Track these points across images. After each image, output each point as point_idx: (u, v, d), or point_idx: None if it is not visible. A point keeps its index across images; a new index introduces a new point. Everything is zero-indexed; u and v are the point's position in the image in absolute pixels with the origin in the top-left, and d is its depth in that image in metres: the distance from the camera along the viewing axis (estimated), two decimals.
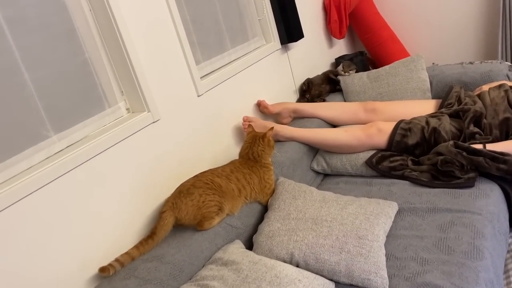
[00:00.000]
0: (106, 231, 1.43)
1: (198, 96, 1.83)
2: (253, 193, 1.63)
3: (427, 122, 1.90)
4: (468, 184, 1.65)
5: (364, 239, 1.36)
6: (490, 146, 1.73)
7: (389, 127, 1.94)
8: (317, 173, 2.09)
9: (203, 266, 1.41)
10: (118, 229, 1.46)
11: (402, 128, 1.91)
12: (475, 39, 3.03)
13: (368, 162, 1.91)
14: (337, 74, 2.51)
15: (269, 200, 1.67)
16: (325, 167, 2.05)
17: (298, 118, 2.29)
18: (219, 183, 1.53)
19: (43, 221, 1.26)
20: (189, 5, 1.88)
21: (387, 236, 1.50)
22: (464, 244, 1.37)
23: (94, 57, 1.50)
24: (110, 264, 1.34)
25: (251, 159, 1.68)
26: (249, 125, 1.82)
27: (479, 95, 2.02)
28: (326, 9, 2.94)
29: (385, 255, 1.41)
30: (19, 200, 1.20)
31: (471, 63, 2.36)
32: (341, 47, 3.19)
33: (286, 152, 1.94)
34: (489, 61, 2.31)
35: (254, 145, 1.69)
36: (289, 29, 2.34)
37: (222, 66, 2.04)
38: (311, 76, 2.62)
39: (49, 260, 1.26)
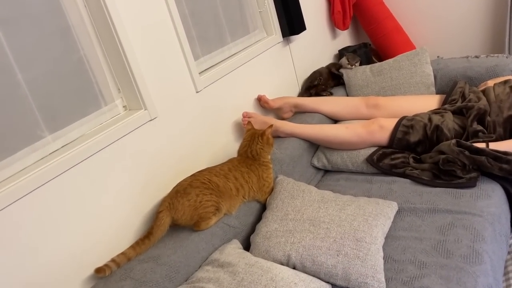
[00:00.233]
0: (103, 231, 1.42)
1: (197, 92, 1.80)
2: (251, 192, 1.62)
3: (430, 119, 1.86)
4: (470, 184, 1.63)
5: (361, 242, 1.35)
6: (493, 145, 1.70)
7: (390, 123, 1.91)
8: (318, 169, 2.06)
9: (200, 267, 1.40)
10: (115, 228, 1.46)
11: (404, 125, 1.88)
12: (481, 32, 2.96)
13: (369, 159, 1.89)
14: (340, 67, 2.47)
15: (268, 199, 1.66)
16: (325, 164, 2.03)
17: (299, 113, 2.26)
18: (216, 183, 1.51)
19: (39, 222, 1.25)
20: None
21: (386, 237, 1.49)
22: (464, 248, 1.35)
23: (89, 55, 1.48)
24: (106, 265, 1.34)
25: (250, 157, 1.66)
26: (248, 122, 1.80)
27: (483, 91, 1.98)
28: (329, 0, 2.89)
29: (383, 258, 1.40)
30: (13, 202, 1.19)
31: (476, 57, 2.31)
32: (345, 38, 3.13)
33: (286, 149, 1.92)
34: (495, 55, 2.26)
35: (253, 143, 1.67)
36: (291, 22, 2.30)
37: (222, 61, 2.01)
38: (313, 69, 2.58)
39: (44, 261, 1.26)
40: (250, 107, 2.14)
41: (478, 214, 1.48)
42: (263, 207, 1.68)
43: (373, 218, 1.44)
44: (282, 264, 1.38)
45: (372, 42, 3.14)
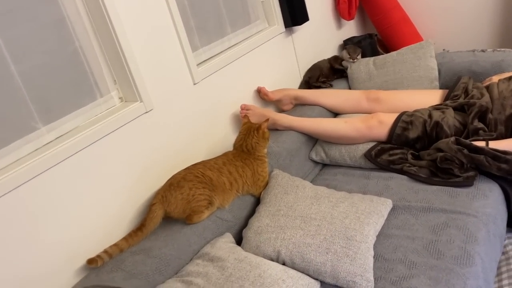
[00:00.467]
0: (96, 223, 1.44)
1: (194, 84, 1.80)
2: (245, 186, 1.62)
3: (430, 115, 1.83)
4: (467, 183, 1.61)
5: (352, 240, 1.34)
6: (493, 144, 1.67)
7: (390, 119, 1.89)
8: (316, 163, 2.06)
9: (191, 261, 1.41)
10: (109, 220, 1.47)
11: (404, 121, 1.85)
12: (490, 26, 2.89)
13: (367, 155, 1.87)
14: (342, 61, 2.43)
15: (262, 193, 1.66)
16: (323, 158, 2.02)
17: (299, 105, 2.24)
18: (210, 177, 1.51)
19: (32, 214, 1.27)
20: None
21: (379, 235, 1.48)
22: (455, 249, 1.34)
23: (85, 46, 1.47)
24: (98, 256, 1.35)
25: (245, 151, 1.66)
26: (245, 116, 1.79)
27: (487, 87, 1.94)
28: None
29: (374, 256, 1.40)
30: (6, 193, 1.21)
31: (483, 51, 2.26)
32: (350, 29, 3.08)
33: (283, 142, 1.91)
34: (502, 49, 2.21)
35: (248, 137, 1.66)
36: (293, 12, 2.26)
37: (221, 52, 1.99)
38: (317, 60, 2.54)
39: (37, 252, 1.27)
40: (249, 99, 2.12)
41: (472, 215, 1.46)
42: (258, 201, 1.69)
43: (365, 216, 1.44)
44: (272, 260, 1.38)
45: (379, 32, 3.09)
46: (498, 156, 1.59)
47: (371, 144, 1.91)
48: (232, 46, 2.06)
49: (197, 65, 1.86)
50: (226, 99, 1.97)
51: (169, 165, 1.68)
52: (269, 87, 2.23)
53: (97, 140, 1.44)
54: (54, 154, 1.32)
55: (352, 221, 1.41)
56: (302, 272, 1.34)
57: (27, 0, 1.31)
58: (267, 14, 2.29)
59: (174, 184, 1.49)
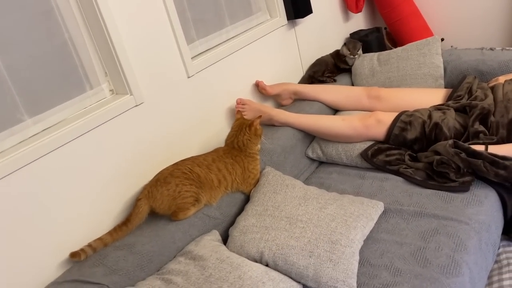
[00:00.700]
0: (82, 216, 1.43)
1: (189, 77, 1.77)
2: (234, 184, 1.60)
3: (430, 116, 1.78)
4: (462, 188, 1.56)
5: (336, 244, 1.32)
6: (492, 148, 1.61)
7: (388, 118, 1.84)
8: (312, 160, 2.02)
9: (174, 258, 1.40)
10: (95, 213, 1.47)
11: (402, 121, 1.80)
12: (502, 23, 2.78)
13: (363, 154, 1.83)
14: (344, 57, 2.36)
15: (252, 191, 1.64)
16: (320, 155, 1.98)
17: (298, 100, 2.20)
18: (197, 173, 1.50)
19: (15, 206, 1.26)
20: None
21: (367, 238, 1.45)
22: (443, 257, 1.30)
23: (75, 37, 1.45)
24: (82, 249, 1.35)
25: (236, 148, 1.63)
26: (238, 111, 1.76)
27: (492, 88, 1.87)
28: None
29: (360, 260, 1.37)
30: None
31: (491, 49, 2.18)
32: (358, 21, 3.00)
33: (278, 139, 1.88)
34: (511, 48, 2.13)
35: (240, 134, 1.64)
36: (296, 4, 2.21)
37: (219, 44, 1.96)
38: (321, 54, 2.48)
39: (20, 244, 1.27)
40: (248, 93, 2.09)
41: (464, 222, 1.42)
42: (247, 198, 1.66)
43: (353, 220, 1.40)
44: (255, 260, 1.37)
45: (388, 26, 3.00)
46: (496, 161, 1.54)
47: (369, 143, 1.87)
48: (231, 38, 2.02)
49: (193, 57, 1.83)
50: (222, 93, 1.94)
51: (159, 159, 1.66)
52: (270, 81, 2.19)
53: (84, 133, 1.43)
54: (39, 146, 1.31)
55: (339, 224, 1.38)
56: (285, 275, 1.32)
57: None
58: (269, 6, 2.24)
59: (161, 179, 1.47)
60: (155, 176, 1.51)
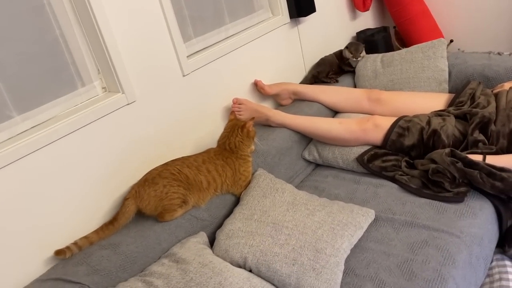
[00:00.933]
0: (71, 213, 1.43)
1: (184, 76, 1.75)
2: (224, 186, 1.58)
3: (429, 122, 1.74)
4: (457, 199, 1.52)
5: (321, 253, 1.29)
6: (490, 159, 1.56)
7: (386, 123, 1.80)
8: (308, 162, 1.99)
9: (158, 259, 1.40)
10: (83, 211, 1.47)
11: (401, 127, 1.76)
12: None
13: (359, 159, 1.80)
14: (347, 60, 2.31)
15: (242, 194, 1.62)
16: (316, 158, 1.95)
17: (298, 101, 2.16)
18: (186, 175, 1.48)
19: (2, 202, 1.27)
20: None
21: (355, 247, 1.42)
22: (429, 270, 1.27)
23: (67, 34, 1.45)
24: (67, 247, 1.36)
25: (228, 150, 1.62)
26: (232, 112, 1.74)
27: (496, 95, 1.81)
28: None
29: (345, 270, 1.34)
30: None
31: (499, 53, 2.11)
32: (366, 20, 2.94)
33: (273, 140, 1.85)
34: None
35: (232, 135, 1.62)
36: (299, 2, 2.17)
37: (217, 43, 1.93)
38: (325, 53, 2.44)
39: (7, 241, 1.28)
40: (246, 92, 2.07)
41: (455, 234, 1.38)
42: (238, 200, 1.65)
43: (341, 228, 1.38)
44: (239, 266, 1.35)
45: (397, 25, 2.94)
46: (493, 173, 1.49)
47: (365, 148, 1.83)
48: (230, 36, 1.99)
49: (190, 55, 1.81)
50: (219, 92, 1.92)
51: (151, 158, 1.66)
52: (270, 80, 2.16)
53: (74, 131, 1.42)
54: (27, 143, 1.32)
55: (325, 232, 1.36)
56: (268, 281, 1.31)
57: None
58: (271, 4, 2.20)
59: (149, 180, 1.46)
60: (143, 176, 1.50)
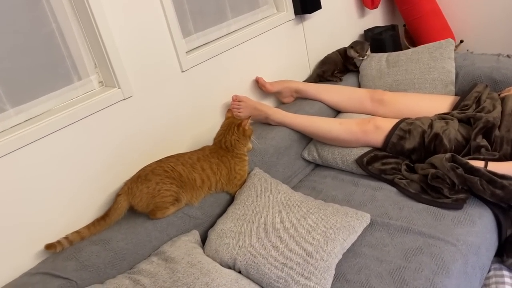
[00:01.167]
0: (64, 208, 1.43)
1: (183, 71, 1.73)
2: (219, 184, 1.57)
3: (431, 126, 1.69)
4: (455, 206, 1.48)
5: (311, 257, 1.27)
6: (492, 165, 1.52)
7: (387, 125, 1.76)
8: (308, 162, 1.97)
9: (148, 256, 1.39)
10: (78, 206, 1.46)
11: (402, 129, 1.72)
12: None
13: (359, 161, 1.77)
14: (353, 59, 2.27)
15: (237, 193, 1.60)
16: (316, 158, 1.92)
17: (300, 99, 2.13)
18: (179, 172, 1.47)
19: None
20: None
21: (348, 251, 1.40)
22: (422, 279, 1.24)
23: (63, 27, 1.44)
24: (58, 241, 1.36)
25: (223, 148, 1.60)
26: (229, 110, 1.72)
27: (503, 99, 1.76)
28: None
29: (336, 275, 1.32)
30: None
31: (508, 56, 2.05)
32: (375, 17, 2.89)
33: (272, 139, 1.83)
34: None
35: (228, 134, 1.60)
36: None
37: (218, 38, 1.91)
38: (331, 50, 2.39)
39: None
40: (247, 89, 2.04)
41: (451, 243, 1.35)
42: (232, 199, 1.63)
43: (333, 232, 1.35)
44: (229, 267, 1.34)
45: (406, 24, 2.88)
46: (494, 180, 1.45)
47: (366, 149, 1.80)
48: (232, 32, 1.97)
49: (190, 51, 1.79)
50: (219, 89, 1.89)
51: (146, 154, 1.65)
52: (272, 77, 2.13)
53: (68, 125, 1.42)
54: (21, 136, 1.31)
55: (317, 235, 1.33)
56: (256, 283, 1.29)
57: None
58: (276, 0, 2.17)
59: (142, 176, 1.45)
60: (137, 173, 1.49)
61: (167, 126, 1.71)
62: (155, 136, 1.67)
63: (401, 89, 2.12)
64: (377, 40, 2.60)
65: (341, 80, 2.28)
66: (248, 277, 1.31)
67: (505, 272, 1.45)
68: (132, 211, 1.47)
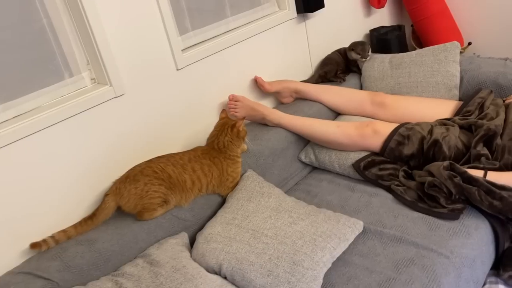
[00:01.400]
0: (52, 206, 1.41)
1: (178, 70, 1.70)
2: (210, 186, 1.54)
3: (431, 132, 1.64)
4: (451, 216, 1.43)
5: (298, 266, 1.24)
6: (491, 175, 1.47)
7: (386, 129, 1.71)
8: (305, 165, 1.93)
9: (134, 259, 1.37)
10: (66, 204, 1.44)
11: (401, 134, 1.68)
12: None
13: (355, 166, 1.73)
14: (355, 61, 2.21)
15: (228, 195, 1.57)
16: (313, 160, 1.89)
17: (299, 99, 2.09)
18: (169, 173, 1.44)
19: None
20: None
21: (338, 259, 1.36)
22: None
23: (55, 23, 1.41)
24: (43, 240, 1.34)
25: (216, 149, 1.57)
26: (223, 111, 1.68)
27: (507, 106, 1.70)
28: None
29: (324, 284, 1.29)
30: None
31: None
32: (381, 17, 2.82)
33: (268, 141, 1.79)
34: None
35: (221, 134, 1.57)
36: None
37: (216, 36, 1.87)
38: (333, 50, 2.35)
39: None
40: (245, 89, 2.00)
41: (445, 255, 1.31)
42: (224, 201, 1.60)
43: (323, 239, 1.32)
44: (214, 272, 1.31)
45: (414, 24, 2.82)
46: (492, 191, 1.40)
47: (363, 154, 1.76)
48: (231, 30, 1.93)
49: (186, 48, 1.76)
50: (215, 88, 1.86)
51: (138, 153, 1.62)
52: (273, 77, 2.09)
53: (58, 122, 1.39)
54: (9, 132, 1.29)
55: (306, 243, 1.30)
56: None
57: None
58: None
59: (131, 177, 1.43)
60: (126, 172, 1.47)
61: (160, 125, 1.68)
62: (148, 135, 1.65)
63: (403, 92, 2.07)
64: (383, 40, 2.54)
65: (344, 80, 2.23)
66: (233, 284, 1.28)
67: (501, 286, 1.40)
68: (121, 211, 1.45)
